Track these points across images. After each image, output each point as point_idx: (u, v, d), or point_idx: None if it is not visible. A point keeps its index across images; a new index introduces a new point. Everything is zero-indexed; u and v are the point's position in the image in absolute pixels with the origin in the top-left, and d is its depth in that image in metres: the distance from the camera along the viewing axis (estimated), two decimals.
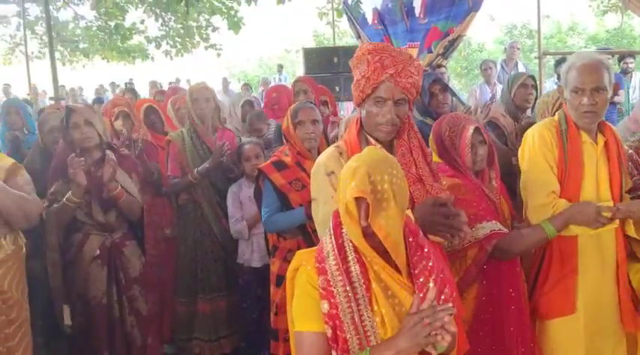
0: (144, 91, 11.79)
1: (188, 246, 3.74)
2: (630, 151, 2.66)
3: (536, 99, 3.73)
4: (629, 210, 2.25)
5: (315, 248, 1.68)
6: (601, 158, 2.39)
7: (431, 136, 2.51)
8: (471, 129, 2.37)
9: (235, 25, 10.87)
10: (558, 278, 2.40)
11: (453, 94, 3.81)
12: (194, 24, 12.13)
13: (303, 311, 1.61)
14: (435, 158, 2.42)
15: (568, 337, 2.41)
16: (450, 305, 1.52)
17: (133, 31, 12.16)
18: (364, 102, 1.98)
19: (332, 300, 1.55)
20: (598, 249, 2.40)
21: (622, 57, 7.48)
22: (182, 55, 12.62)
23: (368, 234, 1.55)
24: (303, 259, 1.66)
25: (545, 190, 2.35)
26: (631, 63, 7.12)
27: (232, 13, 10.90)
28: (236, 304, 3.75)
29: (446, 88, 3.55)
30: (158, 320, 3.76)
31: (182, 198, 3.78)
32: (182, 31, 12.15)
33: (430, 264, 1.62)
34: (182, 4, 10.72)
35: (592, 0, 17.51)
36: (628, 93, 6.87)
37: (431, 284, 1.55)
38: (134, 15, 12.01)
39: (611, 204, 2.30)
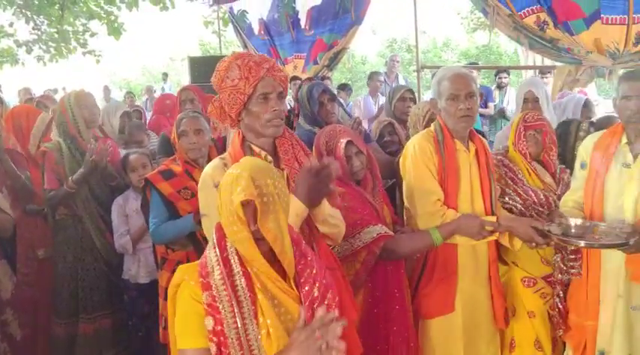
0: (11, 98, 10.92)
1: (67, 263, 3.51)
2: (499, 157, 2.91)
3: None
4: (509, 225, 2.46)
5: (197, 262, 1.64)
6: (473, 164, 2.58)
7: (313, 148, 2.56)
8: (343, 143, 2.46)
9: (115, 30, 10.44)
10: (439, 280, 2.54)
11: (340, 105, 3.93)
12: (70, 28, 11.47)
13: (187, 327, 1.56)
14: None
15: (447, 334, 2.55)
16: (336, 314, 1.54)
17: (1, 35, 11.27)
18: (245, 106, 1.97)
19: (217, 316, 1.52)
20: (473, 251, 2.57)
21: (498, 72, 8.13)
22: (57, 61, 11.87)
23: (257, 240, 1.56)
24: (185, 274, 1.61)
25: (431, 198, 2.48)
26: (505, 78, 7.76)
27: (112, 18, 10.46)
28: (121, 322, 3.58)
29: (334, 97, 3.65)
30: (31, 344, 3.49)
31: (60, 212, 3.55)
32: (56, 36, 11.43)
33: (314, 271, 1.65)
34: (56, 7, 10.12)
35: (463, 18, 18.84)
36: (503, 105, 7.45)
37: (316, 293, 1.59)
38: (1, 17, 11.16)
39: (482, 212, 2.49)
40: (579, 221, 2.41)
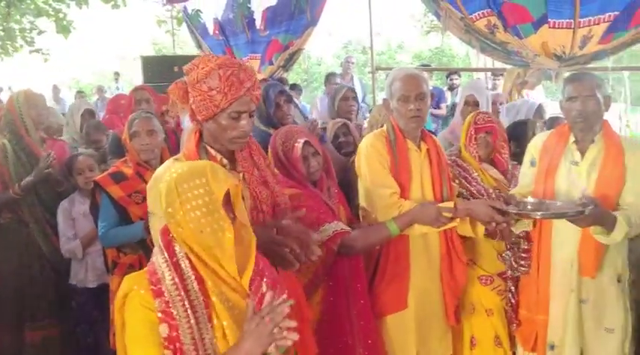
0: None
1: (12, 269, 3.39)
2: (453, 157, 2.97)
3: (358, 109, 4.13)
4: (467, 208, 2.45)
5: (144, 270, 1.61)
6: (424, 163, 2.61)
7: (269, 149, 2.55)
8: (300, 143, 2.46)
9: (64, 28, 10.15)
10: (392, 276, 2.56)
11: (296, 106, 3.93)
12: (16, 26, 11.08)
13: (140, 337, 1.52)
14: (275, 170, 2.48)
15: (401, 331, 2.57)
16: (285, 296, 1.53)
17: None
18: (214, 116, 1.92)
19: (172, 322, 1.50)
20: (425, 247, 2.60)
21: (449, 74, 8.29)
22: (2, 59, 11.46)
23: None
24: (134, 283, 1.57)
25: (387, 192, 2.50)
26: (456, 79, 7.92)
27: (61, 15, 10.16)
28: (70, 330, 3.47)
29: (290, 99, 3.64)
30: None
31: (4, 216, 3.42)
32: (2, 33, 11.03)
33: (264, 279, 1.67)
34: (2, 4, 9.78)
35: (417, 21, 19.13)
36: (454, 107, 7.60)
37: (264, 288, 1.61)
38: None
39: (450, 204, 2.49)
40: (535, 200, 2.45)
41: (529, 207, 2.41)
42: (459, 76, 8.32)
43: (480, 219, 2.44)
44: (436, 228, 2.45)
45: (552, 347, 2.61)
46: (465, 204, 2.48)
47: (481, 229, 2.53)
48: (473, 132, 2.94)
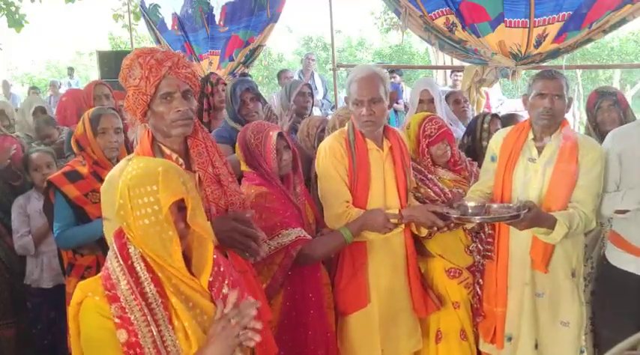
0: None
1: None
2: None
3: (312, 106, 4.16)
4: (411, 214, 2.53)
5: (97, 276, 1.56)
6: (387, 162, 2.62)
7: (237, 144, 2.52)
8: (275, 135, 2.43)
9: (17, 22, 9.81)
10: (351, 274, 2.58)
11: (264, 103, 3.89)
12: None
13: (97, 346, 1.48)
14: (244, 167, 2.46)
15: (364, 328, 2.58)
16: (251, 298, 1.54)
17: None
18: (149, 106, 1.89)
19: (130, 327, 1.46)
20: (386, 244, 2.62)
21: (390, 71, 8.42)
22: None
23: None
24: (88, 290, 1.52)
25: (338, 200, 2.53)
26: (393, 77, 8.06)
27: (13, 9, 9.81)
28: (25, 331, 3.37)
29: (257, 96, 3.59)
30: None
31: None
32: None
33: (226, 282, 1.65)
34: None
35: (377, 18, 19.26)
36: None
37: (225, 290, 1.59)
38: None
39: (396, 208, 2.55)
40: (473, 203, 2.50)
41: (470, 210, 2.47)
42: (399, 73, 8.47)
43: (422, 224, 2.56)
44: (382, 234, 2.50)
45: (510, 339, 2.67)
46: (409, 211, 2.56)
47: (424, 230, 2.64)
48: (425, 146, 2.88)
